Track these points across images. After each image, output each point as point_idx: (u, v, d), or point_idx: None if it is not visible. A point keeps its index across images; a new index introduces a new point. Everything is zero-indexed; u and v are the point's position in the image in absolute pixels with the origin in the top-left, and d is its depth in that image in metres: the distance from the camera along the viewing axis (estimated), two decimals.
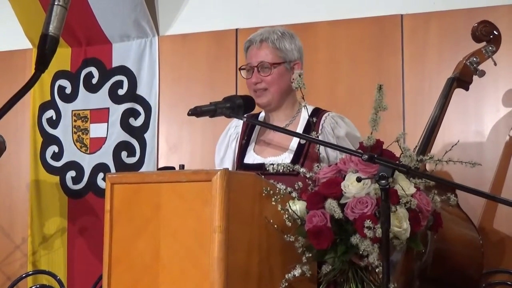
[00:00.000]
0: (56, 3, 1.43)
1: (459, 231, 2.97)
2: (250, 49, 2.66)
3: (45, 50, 1.43)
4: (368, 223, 1.91)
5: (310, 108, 2.63)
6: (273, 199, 2.06)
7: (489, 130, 3.59)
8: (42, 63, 1.42)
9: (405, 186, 2.01)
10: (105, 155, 4.40)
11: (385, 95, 2.12)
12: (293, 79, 2.60)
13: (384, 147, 2.12)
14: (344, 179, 2.04)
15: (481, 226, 3.44)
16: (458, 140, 3.53)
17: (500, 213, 3.49)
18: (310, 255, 2.04)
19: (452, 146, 2.18)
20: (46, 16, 1.43)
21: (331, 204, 2.00)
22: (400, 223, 1.96)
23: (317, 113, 2.63)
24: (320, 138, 2.53)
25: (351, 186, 2.00)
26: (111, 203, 2.19)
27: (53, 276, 4.01)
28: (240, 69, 2.71)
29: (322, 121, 2.60)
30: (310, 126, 2.57)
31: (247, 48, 2.67)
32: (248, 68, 2.65)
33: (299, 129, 2.62)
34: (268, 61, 2.59)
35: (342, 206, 2.00)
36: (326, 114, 2.63)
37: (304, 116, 2.65)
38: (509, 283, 3.35)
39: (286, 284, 2.05)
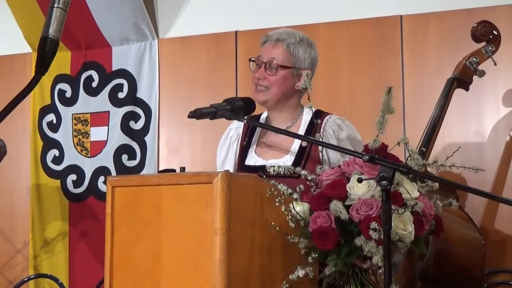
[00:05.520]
0: (56, 6, 1.43)
1: (460, 232, 2.97)
2: (265, 44, 2.65)
3: (45, 52, 1.43)
4: (373, 225, 1.91)
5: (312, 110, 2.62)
6: (277, 200, 2.06)
7: (490, 130, 3.59)
8: (43, 65, 1.42)
9: (409, 189, 2.01)
10: (105, 159, 4.40)
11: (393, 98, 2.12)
12: (297, 86, 2.60)
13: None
14: (348, 181, 2.04)
15: (483, 226, 3.44)
16: (458, 140, 3.58)
17: (501, 213, 3.48)
18: (316, 255, 2.04)
19: (454, 152, 2.17)
20: (46, 19, 1.43)
21: (336, 205, 1.99)
22: (405, 226, 1.97)
23: (318, 115, 2.63)
24: (322, 140, 2.52)
25: (356, 188, 2.01)
26: (112, 206, 2.18)
27: (55, 280, 4.01)
28: (250, 59, 2.68)
29: (323, 124, 2.60)
30: (312, 128, 2.57)
31: (263, 43, 2.66)
32: (258, 62, 2.64)
33: (301, 132, 2.61)
34: (277, 62, 2.59)
35: (346, 208, 2.00)
36: (327, 117, 2.63)
37: (305, 118, 2.65)
38: (511, 283, 3.34)
39: (287, 285, 2.05)
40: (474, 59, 3.18)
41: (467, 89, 3.23)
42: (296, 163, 2.51)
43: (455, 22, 3.68)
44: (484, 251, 3.01)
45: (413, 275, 2.80)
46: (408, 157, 2.11)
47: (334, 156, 2.53)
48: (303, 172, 2.15)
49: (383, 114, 2.10)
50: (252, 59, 2.66)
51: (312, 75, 2.66)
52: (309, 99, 2.31)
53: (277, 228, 2.06)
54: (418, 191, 2.04)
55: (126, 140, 4.37)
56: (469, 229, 3.00)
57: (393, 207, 1.92)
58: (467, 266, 2.94)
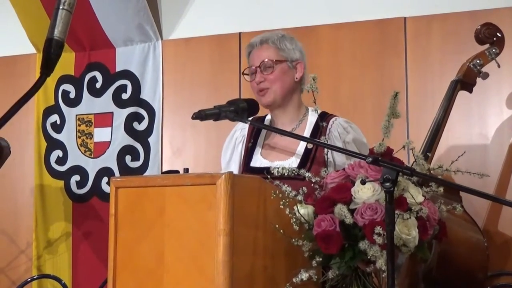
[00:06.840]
0: (61, 7, 1.43)
1: (464, 234, 2.97)
2: (251, 53, 2.67)
3: (50, 54, 1.43)
4: (378, 229, 1.91)
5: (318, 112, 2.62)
6: (281, 202, 2.06)
7: (493, 132, 3.59)
8: (47, 67, 1.42)
9: (414, 194, 2.01)
10: (109, 159, 4.41)
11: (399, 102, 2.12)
12: (296, 78, 2.61)
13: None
14: (353, 185, 2.04)
15: (486, 228, 3.43)
16: (462, 142, 3.58)
17: (504, 215, 3.48)
18: (320, 259, 2.04)
19: (459, 157, 2.18)
20: (51, 20, 1.44)
21: (341, 209, 1.99)
22: (409, 231, 1.97)
23: (324, 118, 2.63)
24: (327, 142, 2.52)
25: (361, 192, 2.00)
26: (115, 207, 2.19)
27: (58, 280, 4.01)
28: (243, 73, 2.71)
29: (329, 126, 2.60)
30: (317, 130, 2.57)
31: (249, 53, 2.68)
32: (251, 71, 2.65)
33: (306, 134, 2.61)
34: (270, 59, 2.60)
35: (351, 212, 2.00)
36: (333, 119, 2.63)
37: (311, 120, 2.65)
38: None
39: None
40: (478, 61, 3.18)
41: (470, 91, 3.22)
42: (301, 165, 2.51)
43: (458, 24, 3.68)
44: (488, 253, 3.01)
45: (416, 276, 2.80)
46: (413, 162, 2.11)
47: (339, 158, 2.53)
48: (307, 174, 2.14)
49: (389, 118, 2.10)
50: (245, 72, 2.68)
51: (305, 65, 2.67)
52: (314, 102, 2.30)
53: (281, 231, 2.07)
54: (423, 195, 2.04)
55: (129, 141, 4.37)
56: (472, 231, 3.00)
57: (398, 212, 1.91)
58: (471, 268, 2.94)
